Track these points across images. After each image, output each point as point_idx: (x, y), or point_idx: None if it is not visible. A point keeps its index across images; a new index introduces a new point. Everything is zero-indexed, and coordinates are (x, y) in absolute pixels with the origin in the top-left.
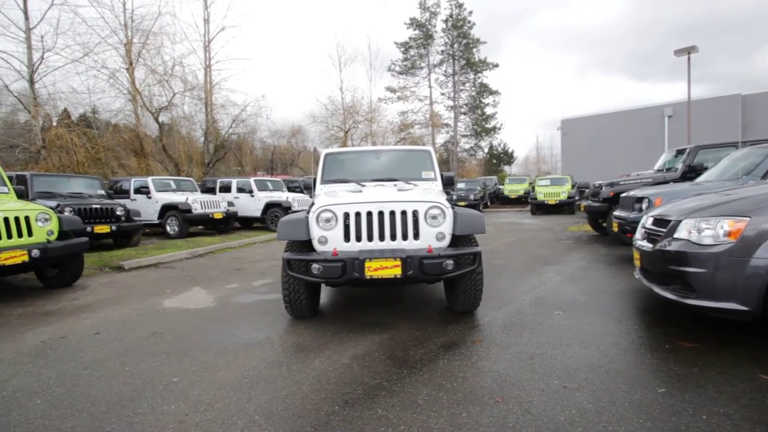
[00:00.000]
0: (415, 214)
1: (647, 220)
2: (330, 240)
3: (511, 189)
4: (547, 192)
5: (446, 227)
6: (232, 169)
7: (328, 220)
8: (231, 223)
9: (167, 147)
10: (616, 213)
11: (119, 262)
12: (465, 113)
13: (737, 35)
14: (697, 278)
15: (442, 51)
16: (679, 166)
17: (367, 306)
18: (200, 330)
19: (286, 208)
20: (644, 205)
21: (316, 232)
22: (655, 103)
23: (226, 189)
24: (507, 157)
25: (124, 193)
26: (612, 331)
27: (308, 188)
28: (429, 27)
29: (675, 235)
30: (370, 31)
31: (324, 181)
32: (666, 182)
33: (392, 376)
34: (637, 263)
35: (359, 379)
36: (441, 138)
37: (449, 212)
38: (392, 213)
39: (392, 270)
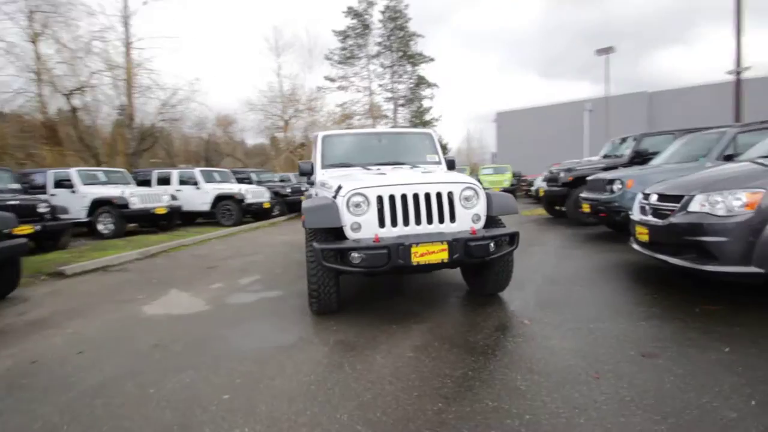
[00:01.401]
0: (450, 195)
1: (651, 198)
2: (364, 226)
3: (492, 180)
4: (491, 180)
5: (481, 208)
6: (153, 160)
7: (358, 205)
8: (174, 219)
9: (83, 135)
10: (585, 195)
11: (57, 267)
12: (403, 105)
13: (630, 40)
14: (718, 246)
15: (380, 42)
16: (625, 152)
17: (382, 297)
18: (212, 337)
19: (239, 201)
20: (616, 187)
21: (347, 218)
22: (577, 99)
23: (164, 181)
24: (443, 149)
25: (38, 188)
26: (640, 300)
27: (306, 173)
28: (366, 17)
29: (689, 209)
30: (308, 17)
31: (325, 166)
32: (616, 167)
33: (472, 365)
34: (643, 237)
35: (440, 371)
36: (381, 129)
37: (482, 193)
38: (427, 195)
39: (439, 254)
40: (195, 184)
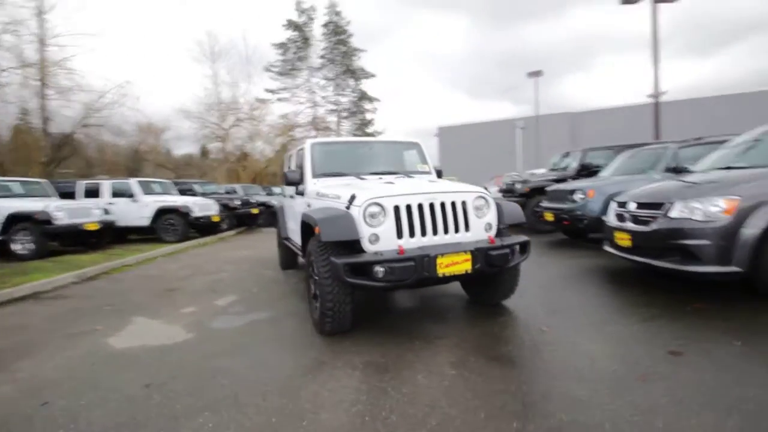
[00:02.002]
0: (464, 205)
1: (629, 205)
2: (382, 238)
3: None
4: None
5: (492, 217)
6: (64, 171)
7: (374, 216)
8: (107, 236)
9: None
10: (547, 205)
11: None
12: (346, 117)
13: (541, 66)
14: (700, 249)
15: (323, 56)
16: (572, 165)
17: (384, 312)
18: (213, 369)
19: (184, 214)
20: (578, 197)
21: (365, 230)
22: (510, 117)
23: (93, 193)
24: None
25: None
26: (634, 302)
27: (293, 183)
28: (306, 30)
29: (671, 215)
30: (244, 25)
31: (317, 175)
32: (566, 179)
33: (521, 377)
34: (625, 242)
35: (492, 387)
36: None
37: (493, 202)
38: (443, 204)
39: (463, 265)
40: (131, 196)
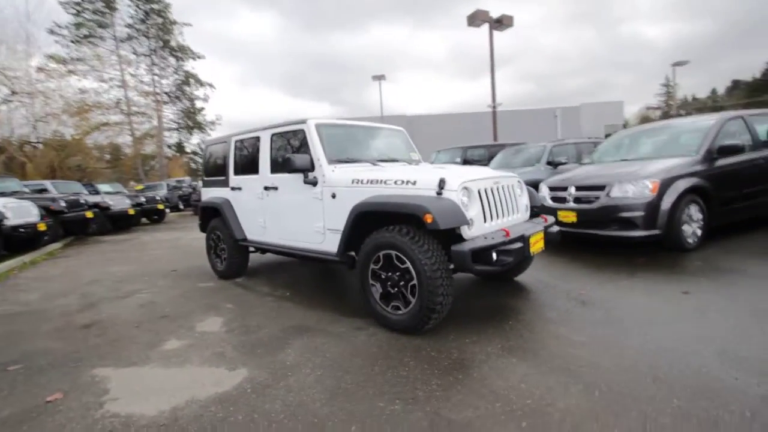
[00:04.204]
0: (514, 188)
1: (570, 189)
2: (474, 222)
3: None
4: None
5: (527, 199)
6: None
7: (466, 200)
8: None
9: None
10: None
11: None
12: (166, 102)
13: (354, 73)
14: (637, 219)
15: (131, 25)
16: (455, 160)
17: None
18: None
19: None
20: None
21: (466, 215)
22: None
23: None
24: None
25: None
26: (599, 269)
27: (304, 170)
28: None
29: (612, 195)
30: None
31: (332, 161)
32: None
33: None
34: (570, 219)
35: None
36: (143, 127)
37: (524, 186)
38: (503, 188)
39: (540, 243)
40: None
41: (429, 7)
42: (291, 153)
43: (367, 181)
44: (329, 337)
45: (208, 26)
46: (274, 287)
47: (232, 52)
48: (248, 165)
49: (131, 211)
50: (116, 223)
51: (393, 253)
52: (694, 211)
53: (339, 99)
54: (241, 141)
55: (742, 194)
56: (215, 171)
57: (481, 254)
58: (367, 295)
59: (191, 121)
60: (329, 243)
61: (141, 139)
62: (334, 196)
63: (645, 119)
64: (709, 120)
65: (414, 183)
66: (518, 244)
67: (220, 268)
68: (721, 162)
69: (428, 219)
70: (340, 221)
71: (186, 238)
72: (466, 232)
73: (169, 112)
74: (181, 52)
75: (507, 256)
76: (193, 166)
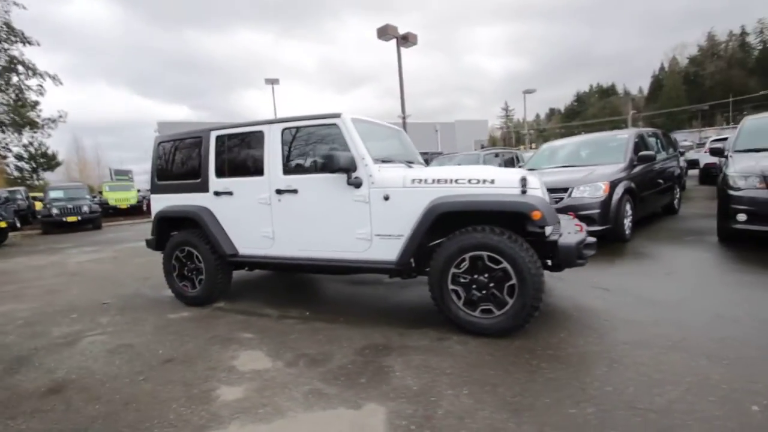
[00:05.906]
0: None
1: None
2: None
3: (119, 198)
4: (118, 197)
5: None
6: None
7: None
8: None
9: None
10: None
11: None
12: None
13: (218, 77)
14: (594, 215)
15: None
16: None
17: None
18: None
19: None
20: None
21: None
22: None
23: None
24: (47, 161)
25: None
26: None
27: (347, 169)
28: None
29: (573, 195)
30: None
31: (376, 160)
32: None
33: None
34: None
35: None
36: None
37: None
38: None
39: None
40: None
41: (293, 17)
42: (323, 151)
43: (433, 181)
44: (425, 353)
45: (31, 3)
46: (279, 308)
47: (60, 39)
48: (242, 165)
49: None
50: None
51: (485, 254)
52: (628, 208)
53: (202, 103)
54: (229, 137)
55: (650, 193)
56: (179, 174)
57: (582, 249)
58: (446, 302)
59: (18, 115)
60: (377, 250)
61: None
62: (387, 198)
63: (493, 139)
64: (623, 134)
65: (492, 182)
66: (594, 239)
67: (191, 293)
68: (638, 168)
69: (537, 216)
70: (396, 225)
71: (71, 262)
72: (548, 228)
73: None
74: (8, 32)
75: (590, 249)
76: (16, 174)
